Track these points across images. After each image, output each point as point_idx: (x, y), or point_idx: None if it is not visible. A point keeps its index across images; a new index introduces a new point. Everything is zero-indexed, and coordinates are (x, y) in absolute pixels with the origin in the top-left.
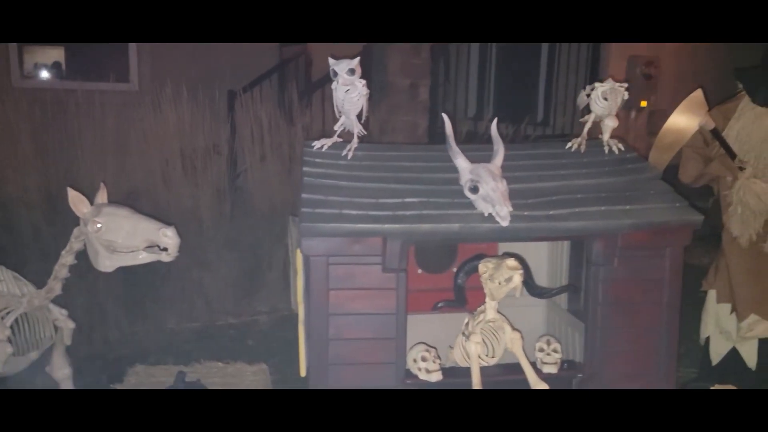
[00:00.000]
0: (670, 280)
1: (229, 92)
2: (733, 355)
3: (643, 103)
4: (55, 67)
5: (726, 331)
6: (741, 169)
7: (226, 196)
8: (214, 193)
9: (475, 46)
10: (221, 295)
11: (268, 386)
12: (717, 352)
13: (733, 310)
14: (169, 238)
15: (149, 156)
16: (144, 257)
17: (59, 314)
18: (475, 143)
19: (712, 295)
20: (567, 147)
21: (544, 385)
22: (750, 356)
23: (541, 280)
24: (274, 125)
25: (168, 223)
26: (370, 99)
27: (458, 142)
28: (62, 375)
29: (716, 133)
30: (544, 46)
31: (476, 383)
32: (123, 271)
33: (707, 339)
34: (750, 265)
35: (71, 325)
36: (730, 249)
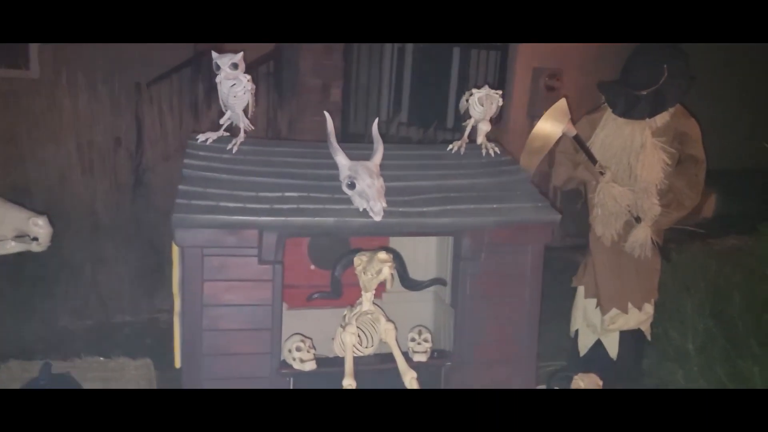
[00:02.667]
0: (531, 274)
1: (135, 84)
2: (598, 346)
3: None
4: None
5: (592, 324)
6: (601, 173)
7: (126, 192)
8: (113, 189)
9: (388, 48)
10: (117, 292)
11: (152, 381)
12: (584, 344)
13: (598, 304)
14: (39, 227)
15: (44, 147)
16: (13, 246)
17: None
18: (387, 144)
19: (581, 291)
20: (448, 149)
21: (413, 373)
22: (612, 347)
23: (430, 274)
24: (180, 121)
25: (60, 217)
26: (281, 98)
27: (367, 143)
28: None
29: (578, 140)
30: (456, 53)
31: (348, 372)
32: (9, 266)
33: (576, 332)
34: (612, 263)
35: None
36: (596, 248)
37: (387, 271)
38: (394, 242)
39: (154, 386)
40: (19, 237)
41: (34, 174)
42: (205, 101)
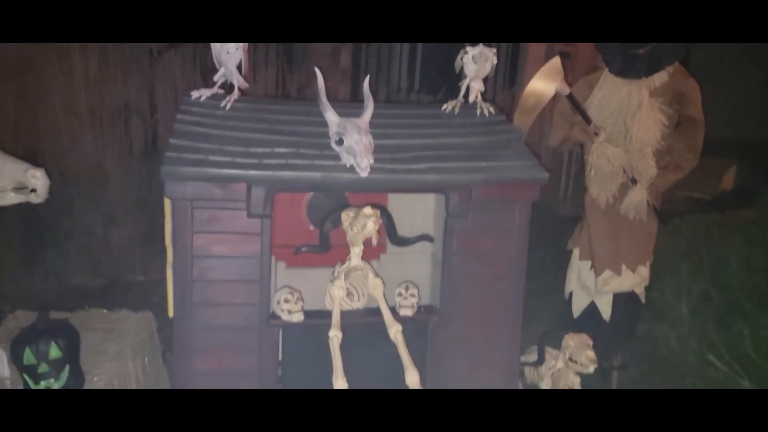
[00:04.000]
0: (518, 232)
1: (148, 50)
2: (592, 309)
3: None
4: None
5: (586, 286)
6: (596, 134)
7: (138, 156)
8: (124, 152)
9: None
10: (128, 252)
11: (153, 333)
12: (578, 306)
13: (592, 266)
14: (37, 179)
15: (56, 111)
16: (12, 198)
17: None
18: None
19: (576, 253)
20: (442, 109)
21: (398, 327)
22: (605, 309)
23: (428, 231)
24: (192, 86)
25: (73, 179)
26: (291, 63)
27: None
28: None
29: (572, 99)
30: None
31: (335, 323)
32: (22, 224)
33: (570, 294)
34: (607, 225)
35: None
36: (591, 210)
37: (371, 225)
38: (393, 201)
39: (155, 339)
40: (18, 189)
41: (46, 138)
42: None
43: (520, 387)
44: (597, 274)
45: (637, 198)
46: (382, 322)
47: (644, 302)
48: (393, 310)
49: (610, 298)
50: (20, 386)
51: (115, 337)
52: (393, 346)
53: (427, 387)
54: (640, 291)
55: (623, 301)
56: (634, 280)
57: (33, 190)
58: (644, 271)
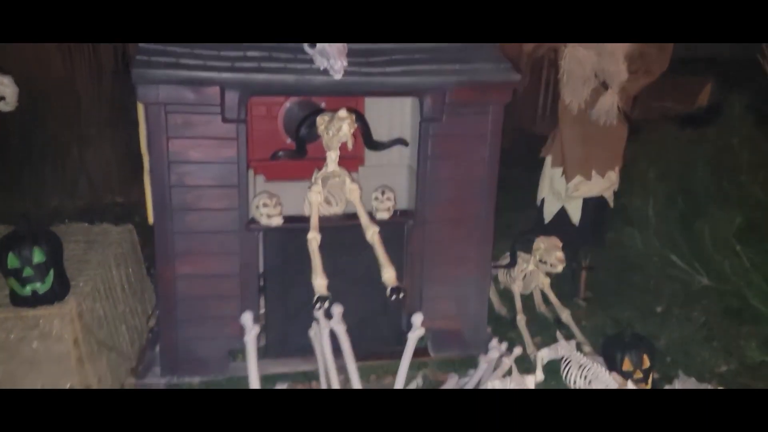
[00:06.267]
0: (491, 135)
1: None
2: (562, 213)
3: None
4: None
5: (557, 192)
6: None
7: (108, 77)
8: (93, 72)
9: None
10: (105, 173)
11: (135, 245)
12: (549, 211)
13: (563, 173)
14: (5, 86)
15: None
16: None
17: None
18: None
19: (548, 160)
20: None
21: (375, 228)
22: (575, 213)
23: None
24: None
25: (42, 98)
26: None
27: None
28: None
29: None
30: None
31: (313, 226)
32: None
33: (542, 201)
34: (578, 131)
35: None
36: (563, 116)
37: (346, 128)
38: (369, 107)
39: (138, 251)
40: None
41: (11, 58)
42: None
43: (492, 289)
44: (568, 179)
45: (608, 102)
46: (360, 225)
47: (612, 206)
48: (370, 215)
49: (579, 203)
50: (6, 292)
51: (98, 248)
52: (370, 247)
53: (403, 286)
54: (608, 195)
55: (592, 205)
56: (604, 184)
57: (2, 98)
58: (613, 176)
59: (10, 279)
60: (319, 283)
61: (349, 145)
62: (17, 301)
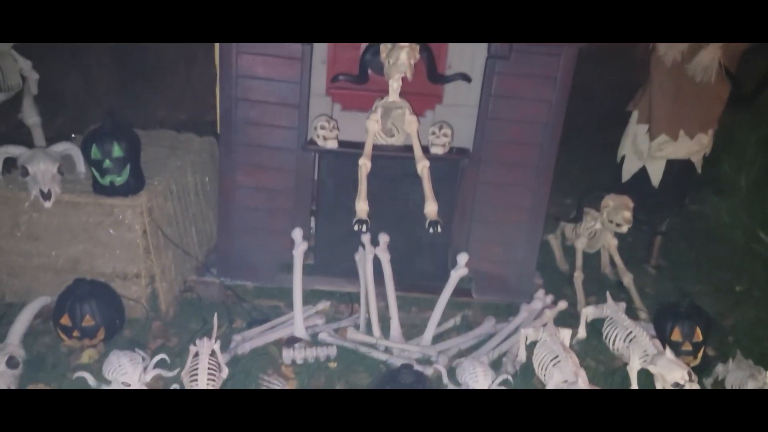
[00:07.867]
0: (561, 79)
1: None
2: (642, 173)
3: None
4: None
5: (639, 150)
6: None
7: None
8: None
9: None
10: (208, 91)
11: (214, 156)
12: (628, 170)
13: (648, 130)
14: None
15: None
16: None
17: (24, 64)
18: None
19: (634, 116)
20: None
21: (426, 162)
22: (656, 175)
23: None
24: None
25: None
26: None
27: None
28: (32, 122)
29: None
30: None
31: (366, 153)
32: (116, 59)
33: (623, 158)
34: (670, 86)
35: (35, 75)
36: (656, 68)
37: (404, 56)
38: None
39: (216, 162)
40: None
41: None
42: None
43: (557, 243)
44: (652, 138)
45: (708, 57)
46: (411, 158)
47: (700, 172)
48: (426, 149)
49: (662, 164)
50: (90, 181)
51: (179, 153)
52: (420, 181)
53: (453, 224)
54: (697, 160)
55: (677, 168)
56: (692, 147)
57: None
58: (704, 139)
59: (93, 169)
60: (361, 207)
61: (409, 76)
62: (97, 189)
